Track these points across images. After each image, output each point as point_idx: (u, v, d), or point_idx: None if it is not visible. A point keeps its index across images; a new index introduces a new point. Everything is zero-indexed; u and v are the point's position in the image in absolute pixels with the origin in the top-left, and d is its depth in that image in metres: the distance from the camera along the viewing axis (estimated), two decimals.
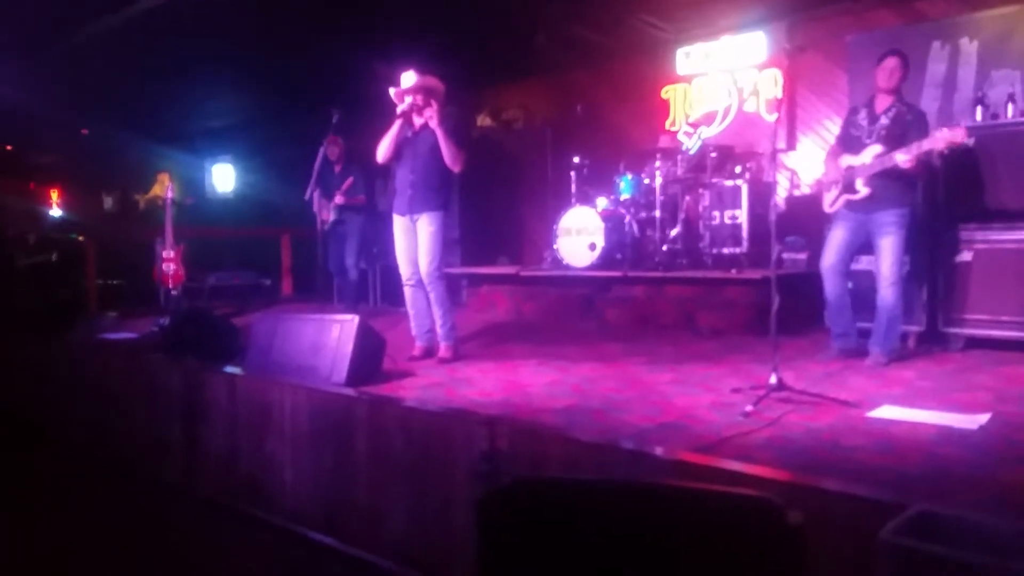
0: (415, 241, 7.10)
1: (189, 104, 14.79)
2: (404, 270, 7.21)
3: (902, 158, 5.99)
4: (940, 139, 5.84)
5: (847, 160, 6.51)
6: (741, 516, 2.06)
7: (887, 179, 6.26)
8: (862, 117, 6.57)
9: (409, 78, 7.09)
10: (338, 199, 10.48)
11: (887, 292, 6.40)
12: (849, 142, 6.62)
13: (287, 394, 5.60)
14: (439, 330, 7.18)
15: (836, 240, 6.62)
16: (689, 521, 2.09)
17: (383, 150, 7.17)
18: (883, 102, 6.46)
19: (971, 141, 6.00)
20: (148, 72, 12.18)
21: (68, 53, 11.16)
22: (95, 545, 5.51)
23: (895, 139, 6.23)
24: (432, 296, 7.11)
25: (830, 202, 6.70)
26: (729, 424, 4.60)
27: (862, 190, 6.35)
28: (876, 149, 6.28)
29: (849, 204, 6.52)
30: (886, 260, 6.38)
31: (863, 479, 3.45)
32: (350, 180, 10.60)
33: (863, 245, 6.65)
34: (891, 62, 6.38)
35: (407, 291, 7.26)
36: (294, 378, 5.85)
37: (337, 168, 10.73)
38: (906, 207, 6.44)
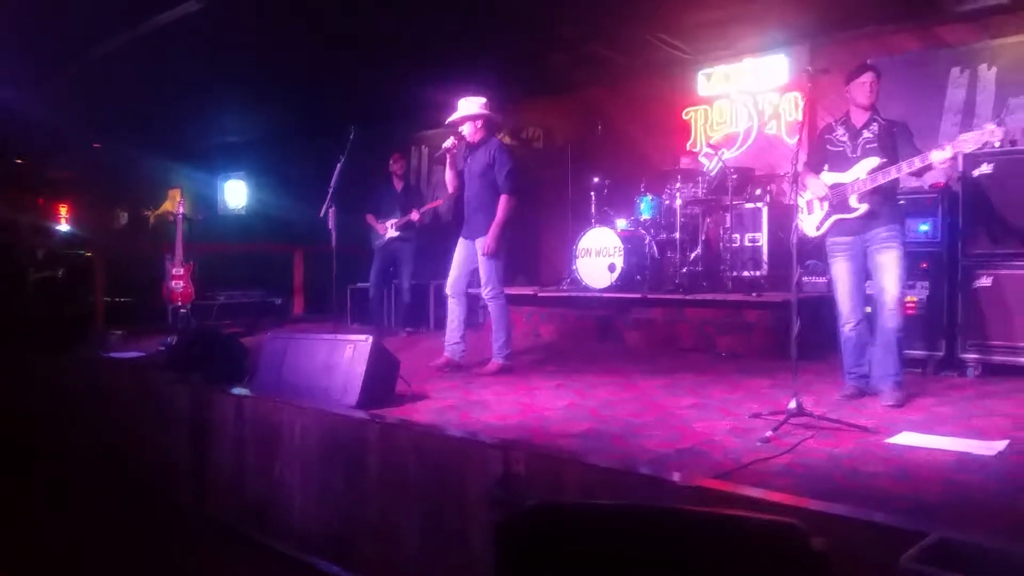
0: (469, 260, 7.60)
1: (202, 120, 14.85)
2: (449, 279, 7.63)
3: (939, 155, 5.48)
4: (971, 138, 5.41)
5: (833, 177, 6.07)
6: (764, 542, 2.05)
7: (884, 195, 5.94)
8: (840, 134, 6.14)
9: (463, 107, 7.55)
10: (414, 215, 10.70)
11: (892, 313, 5.91)
12: (828, 159, 6.17)
13: (297, 416, 5.56)
14: (492, 345, 7.53)
15: (846, 273, 6.10)
16: (712, 547, 2.08)
17: (449, 184, 7.75)
18: (861, 117, 6.08)
19: (997, 137, 5.41)
20: (161, 88, 12.24)
21: (81, 68, 11.20)
22: (102, 565, 5.49)
23: (887, 150, 5.90)
24: (490, 312, 7.67)
25: (815, 224, 6.19)
26: (748, 450, 4.54)
27: (859, 207, 5.92)
28: (872, 162, 5.89)
29: (841, 226, 6.05)
30: (890, 276, 5.91)
31: (882, 506, 3.40)
32: (440, 201, 10.70)
33: (866, 269, 6.12)
34: (868, 76, 5.98)
35: (449, 301, 7.63)
36: (305, 399, 5.80)
37: (400, 186, 10.83)
38: (901, 223, 6.12)
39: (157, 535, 6.10)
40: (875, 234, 5.97)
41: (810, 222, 6.24)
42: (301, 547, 5.40)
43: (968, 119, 8.72)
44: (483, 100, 7.60)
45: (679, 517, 2.18)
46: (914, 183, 8.31)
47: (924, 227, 7.27)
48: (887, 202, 6.00)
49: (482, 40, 10.30)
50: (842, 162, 6.06)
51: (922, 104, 8.57)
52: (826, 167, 6.19)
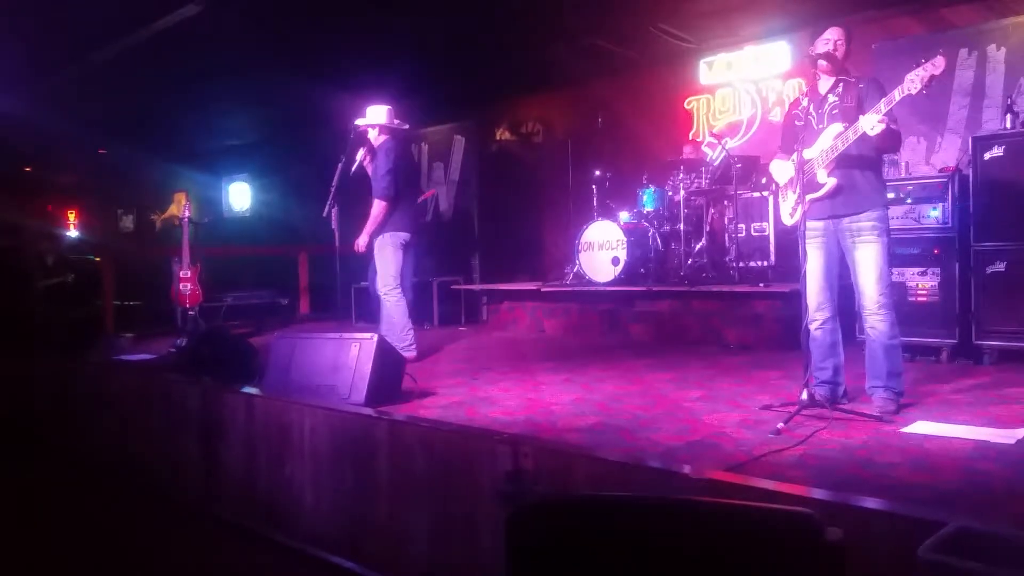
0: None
1: (205, 123, 14.88)
2: (372, 279, 8.11)
3: (870, 120, 4.89)
4: (917, 78, 4.71)
5: (804, 154, 5.32)
6: (778, 532, 2.02)
7: (854, 168, 5.25)
8: (806, 106, 5.45)
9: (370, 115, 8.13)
10: None
11: (877, 319, 5.25)
12: (798, 136, 5.38)
13: (306, 414, 5.54)
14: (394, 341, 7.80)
15: (814, 263, 5.41)
16: (725, 538, 2.06)
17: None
18: (827, 83, 5.44)
19: (939, 68, 4.69)
20: (164, 92, 12.24)
21: (85, 73, 11.21)
22: (112, 565, 5.47)
23: (852, 111, 5.17)
24: (383, 310, 7.93)
25: (789, 210, 5.59)
26: (760, 442, 4.50)
27: (827, 181, 5.24)
28: (836, 128, 5.19)
29: (812, 209, 5.31)
30: (869, 276, 5.23)
31: (899, 496, 3.36)
32: (432, 192, 10.75)
33: (843, 260, 5.47)
34: (832, 33, 5.36)
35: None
36: (313, 398, 5.78)
37: None
38: (883, 209, 5.32)
39: (168, 534, 6.10)
40: (851, 222, 5.29)
41: (784, 210, 5.73)
42: (312, 544, 5.37)
43: (978, 101, 8.60)
44: (388, 108, 8.15)
45: (691, 508, 2.15)
46: (924, 168, 8.26)
47: (935, 212, 7.20)
48: (861, 179, 5.29)
49: (480, 35, 10.27)
50: (810, 136, 5.37)
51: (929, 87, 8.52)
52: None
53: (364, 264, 10.95)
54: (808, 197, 5.29)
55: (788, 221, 5.68)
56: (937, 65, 4.68)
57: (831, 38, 5.36)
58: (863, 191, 5.27)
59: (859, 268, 5.29)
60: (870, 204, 5.26)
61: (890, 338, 5.25)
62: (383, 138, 8.05)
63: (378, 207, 7.89)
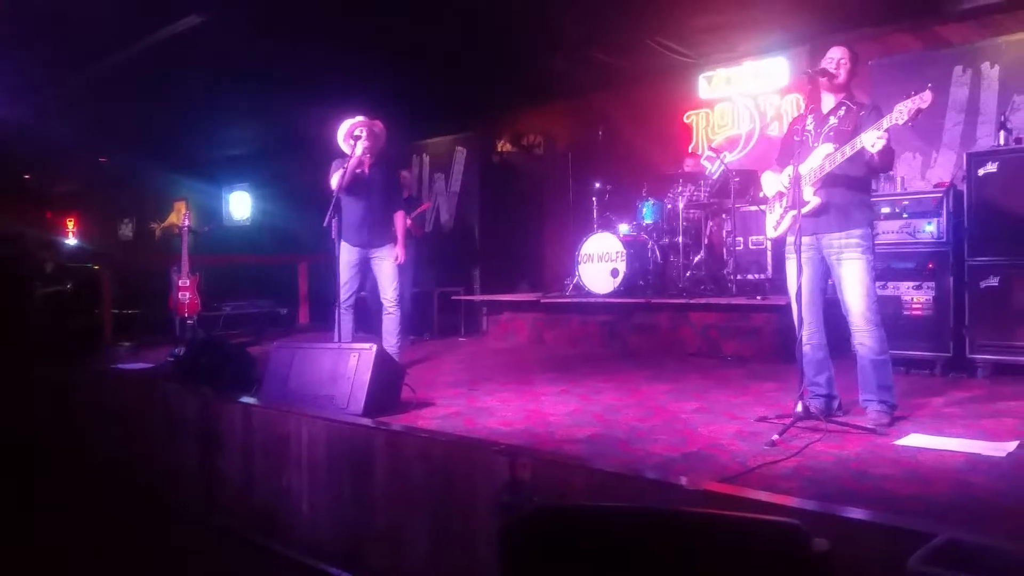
0: (364, 270, 8.07)
1: (206, 132, 14.90)
2: (343, 294, 7.90)
3: (872, 136, 4.86)
4: (905, 110, 4.76)
5: (793, 170, 5.32)
6: (766, 543, 2.04)
7: (841, 188, 5.28)
8: (808, 123, 5.50)
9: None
10: (407, 222, 10.66)
11: (865, 335, 5.26)
12: (794, 152, 5.36)
13: (304, 424, 5.55)
14: (393, 348, 7.74)
15: (803, 280, 5.36)
16: (714, 548, 2.08)
17: (340, 179, 7.74)
18: (830, 102, 5.43)
19: (926, 103, 4.76)
20: (165, 101, 12.27)
21: (86, 83, 11.24)
22: (111, 574, 5.46)
23: (847, 136, 5.18)
24: (393, 319, 8.01)
25: (774, 223, 5.68)
26: (755, 454, 4.52)
27: (812, 200, 5.27)
28: (827, 148, 5.24)
29: (799, 225, 5.31)
30: (855, 294, 5.24)
31: (891, 508, 3.39)
32: (428, 204, 10.73)
33: (828, 275, 5.49)
34: (836, 52, 5.34)
35: (343, 315, 7.93)
36: (311, 408, 5.78)
37: (404, 195, 10.98)
38: (867, 227, 5.33)
39: (166, 544, 6.11)
40: (835, 240, 5.32)
41: (769, 222, 5.81)
42: (310, 554, 5.38)
43: (973, 117, 8.68)
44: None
45: (680, 519, 2.17)
46: (919, 183, 8.30)
47: (929, 227, 7.24)
48: (846, 198, 5.31)
49: (481, 47, 10.31)
50: (805, 153, 5.39)
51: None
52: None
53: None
54: (792, 213, 5.37)
55: (772, 234, 5.79)
56: (924, 99, 4.75)
57: (834, 57, 5.35)
58: (848, 210, 5.31)
59: (844, 285, 5.32)
60: (854, 223, 5.29)
61: (878, 354, 5.28)
62: (376, 152, 8.06)
63: (404, 218, 8.13)
